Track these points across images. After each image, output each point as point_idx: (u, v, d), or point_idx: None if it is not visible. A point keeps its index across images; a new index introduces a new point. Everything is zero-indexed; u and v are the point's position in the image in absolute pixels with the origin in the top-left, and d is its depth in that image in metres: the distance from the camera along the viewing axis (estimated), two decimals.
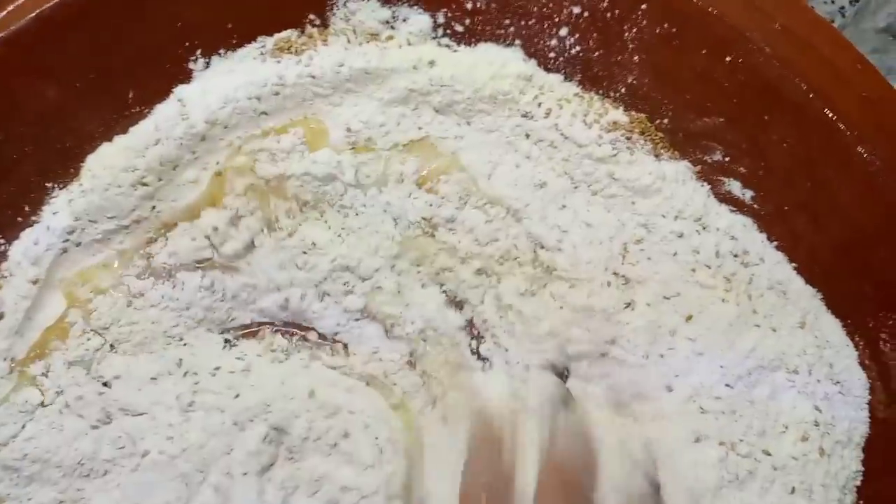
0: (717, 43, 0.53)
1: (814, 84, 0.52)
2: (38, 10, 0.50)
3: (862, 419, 0.52)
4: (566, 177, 0.56)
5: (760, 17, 0.52)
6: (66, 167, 0.53)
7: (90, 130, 0.54)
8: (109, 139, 0.54)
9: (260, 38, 0.56)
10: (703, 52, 0.54)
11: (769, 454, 0.50)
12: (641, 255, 0.54)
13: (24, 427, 0.49)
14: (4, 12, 0.49)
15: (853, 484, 0.52)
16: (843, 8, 0.73)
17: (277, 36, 0.57)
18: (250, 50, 0.56)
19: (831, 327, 0.54)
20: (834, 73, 0.51)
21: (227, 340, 0.54)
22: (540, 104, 0.56)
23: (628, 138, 0.56)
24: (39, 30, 0.50)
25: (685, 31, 0.54)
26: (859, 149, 0.51)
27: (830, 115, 0.52)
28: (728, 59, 0.53)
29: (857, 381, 0.53)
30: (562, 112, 0.56)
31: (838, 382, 0.52)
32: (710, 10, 0.53)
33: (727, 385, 0.51)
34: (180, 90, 0.55)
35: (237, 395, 0.50)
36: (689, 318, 0.52)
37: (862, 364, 0.53)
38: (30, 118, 0.52)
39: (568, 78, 0.58)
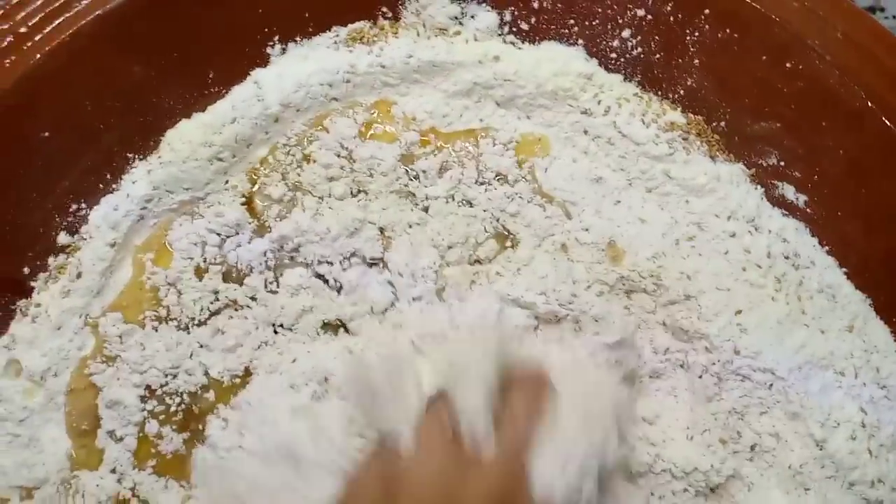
0: (778, 49, 0.54)
1: (873, 93, 0.53)
2: None
3: None
4: (622, 173, 0.58)
5: (822, 24, 0.53)
6: (146, 140, 0.56)
7: (171, 106, 0.57)
8: (188, 116, 0.57)
9: (334, 28, 0.59)
10: (764, 57, 0.55)
11: (823, 448, 0.51)
12: (693, 251, 0.55)
13: None
14: None
15: None
16: None
17: (351, 26, 0.59)
18: (324, 39, 0.59)
19: (879, 333, 0.54)
20: (894, 83, 0.52)
21: None
22: (599, 102, 0.58)
23: (685, 139, 0.58)
24: (132, 9, 0.53)
25: (746, 37, 0.55)
26: None
27: (888, 123, 0.52)
28: (788, 65, 0.54)
29: None
30: (620, 111, 0.58)
31: (885, 387, 0.53)
32: (772, 16, 0.54)
33: (779, 376, 0.51)
34: (257, 73, 0.58)
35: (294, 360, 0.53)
36: (739, 312, 0.53)
37: None
38: (117, 92, 0.55)
39: (628, 78, 0.59)
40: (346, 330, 0.54)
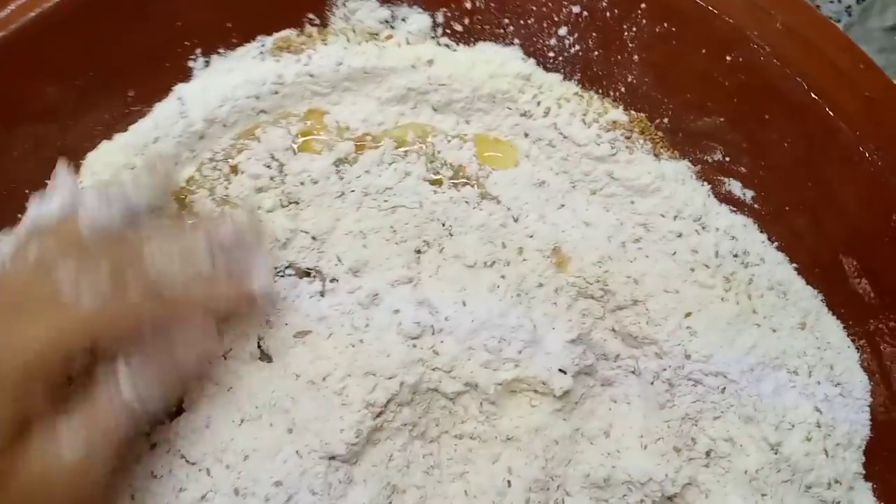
0: (718, 42, 0.53)
1: (815, 84, 0.51)
2: (38, 10, 0.50)
3: (863, 421, 0.51)
4: (565, 176, 0.56)
5: (761, 16, 0.52)
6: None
7: (90, 128, 0.54)
8: (109, 137, 0.54)
9: (259, 38, 0.57)
10: (703, 51, 0.53)
11: (778, 451, 0.49)
12: (639, 253, 0.54)
13: None
14: (6, 11, 0.50)
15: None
16: (849, 7, 0.72)
17: (277, 35, 0.57)
18: (250, 49, 0.56)
19: (832, 329, 0.53)
20: (836, 73, 0.51)
21: None
22: (539, 103, 0.56)
23: (628, 137, 0.56)
24: (40, 29, 0.50)
25: (685, 31, 0.53)
26: (861, 149, 0.51)
27: (832, 114, 0.51)
28: (728, 58, 0.53)
29: (858, 384, 0.52)
30: (561, 111, 0.56)
31: (839, 384, 0.52)
32: (710, 8, 0.52)
33: (731, 379, 0.50)
34: (180, 89, 0.55)
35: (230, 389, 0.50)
36: (688, 314, 0.52)
37: (863, 366, 0.53)
38: (31, 117, 0.52)
39: (567, 77, 0.58)
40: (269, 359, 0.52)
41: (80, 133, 0.54)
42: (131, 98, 0.55)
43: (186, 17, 0.54)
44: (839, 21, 0.72)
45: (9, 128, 0.51)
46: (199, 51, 0.55)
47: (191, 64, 0.56)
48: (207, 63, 0.56)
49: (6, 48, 0.50)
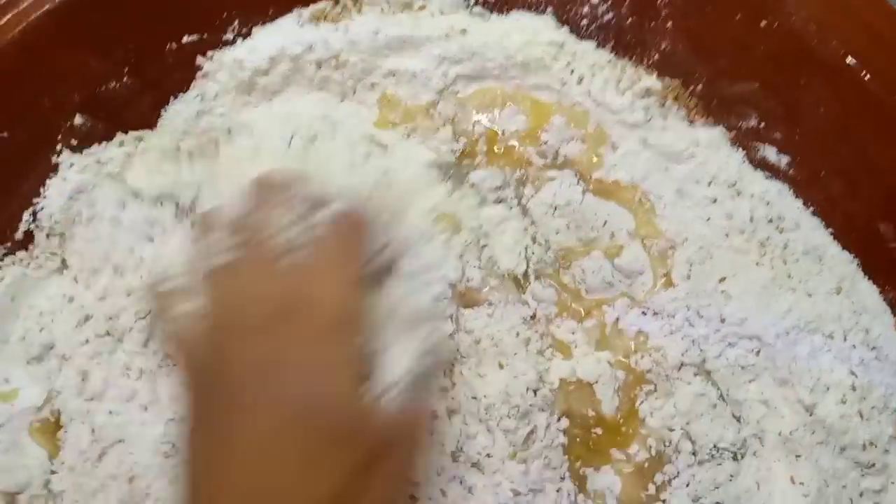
0: (752, 7, 0.53)
1: (851, 47, 0.51)
2: None
3: None
4: None
5: None
6: (110, 134, 0.55)
7: (132, 98, 0.55)
8: (153, 105, 0.55)
9: (295, 10, 0.57)
10: (738, 16, 0.54)
11: (813, 413, 0.50)
12: (674, 219, 0.54)
13: None
14: None
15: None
16: None
17: (313, 7, 0.58)
18: (287, 20, 0.57)
19: (868, 293, 0.53)
20: (872, 36, 0.51)
21: None
22: (573, 71, 0.56)
23: (662, 104, 0.56)
24: (82, 1, 0.52)
25: None
26: None
27: (868, 78, 0.51)
28: (763, 23, 0.53)
29: (894, 348, 0.52)
30: (594, 79, 0.56)
31: (874, 348, 0.52)
32: None
33: (766, 343, 0.51)
34: (220, 54, 0.56)
35: None
36: (723, 279, 0.52)
37: None
38: (74, 86, 0.53)
39: (601, 45, 0.58)
40: None
41: (121, 102, 0.55)
42: (171, 65, 0.56)
43: None
44: None
45: (53, 97, 0.52)
46: (237, 22, 0.56)
47: (229, 35, 0.56)
48: (246, 35, 0.57)
49: (51, 19, 0.51)
